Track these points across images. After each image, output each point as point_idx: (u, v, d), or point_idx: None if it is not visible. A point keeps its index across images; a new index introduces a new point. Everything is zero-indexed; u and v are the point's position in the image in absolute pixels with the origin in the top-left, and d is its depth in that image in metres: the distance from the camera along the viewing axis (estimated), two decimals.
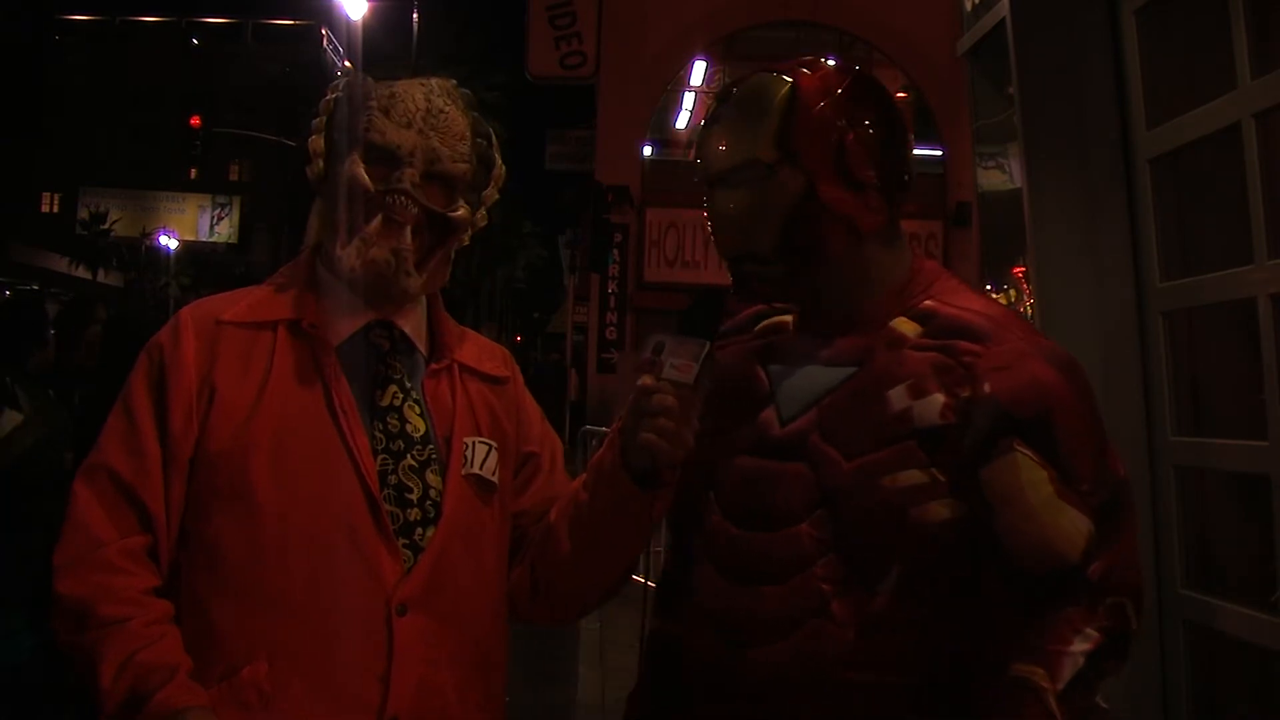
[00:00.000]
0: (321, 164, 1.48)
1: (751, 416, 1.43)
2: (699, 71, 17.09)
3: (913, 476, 1.30)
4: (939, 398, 1.32)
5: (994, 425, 1.28)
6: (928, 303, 1.41)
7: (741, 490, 1.41)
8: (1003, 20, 3.14)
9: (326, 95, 1.52)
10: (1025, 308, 3.75)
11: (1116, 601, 1.26)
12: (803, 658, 1.32)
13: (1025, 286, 3.58)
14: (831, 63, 1.44)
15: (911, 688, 1.31)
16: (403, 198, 1.44)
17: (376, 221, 1.44)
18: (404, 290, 1.46)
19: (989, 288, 4.36)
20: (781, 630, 1.34)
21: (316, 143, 1.48)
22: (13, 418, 3.36)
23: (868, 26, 16.76)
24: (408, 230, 1.45)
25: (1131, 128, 2.87)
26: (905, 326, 1.39)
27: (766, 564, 1.36)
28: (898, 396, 1.33)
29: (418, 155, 1.45)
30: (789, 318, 1.51)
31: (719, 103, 1.45)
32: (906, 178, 1.45)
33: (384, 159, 1.44)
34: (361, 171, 1.43)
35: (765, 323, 1.55)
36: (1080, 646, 1.23)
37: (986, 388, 1.30)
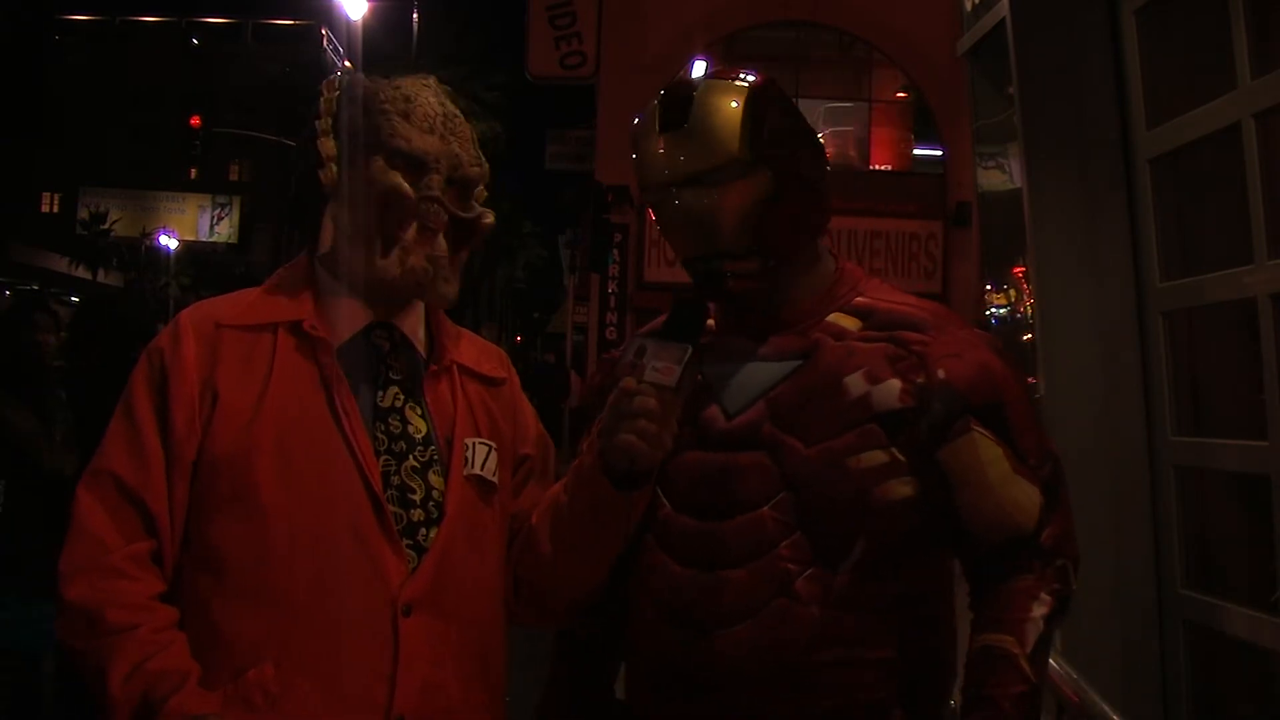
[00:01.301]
0: (334, 168, 1.45)
1: (692, 415, 1.48)
2: (699, 71, 17.07)
3: (876, 457, 1.39)
4: (895, 383, 1.41)
5: (951, 408, 1.39)
6: (861, 300, 1.51)
7: (699, 484, 1.46)
8: (1003, 20, 3.14)
9: (324, 94, 1.49)
10: (1025, 308, 3.75)
11: (1062, 565, 1.40)
12: (768, 638, 1.38)
13: (1025, 286, 3.58)
14: (753, 75, 1.50)
15: (876, 662, 1.39)
16: (435, 205, 1.45)
17: (413, 229, 1.44)
18: (443, 297, 1.47)
19: (989, 288, 4.36)
20: (746, 612, 1.39)
21: (328, 146, 1.46)
22: (59, 430, 3.49)
23: (868, 26, 16.74)
24: (440, 237, 1.46)
25: (1131, 128, 2.87)
26: (845, 321, 1.48)
27: (727, 550, 1.41)
28: (855, 383, 1.42)
29: (443, 161, 1.46)
30: (710, 320, 1.56)
31: (666, 110, 1.48)
32: (828, 187, 1.55)
33: (411, 165, 1.44)
34: (401, 180, 1.43)
35: None
36: (1039, 611, 1.36)
37: (941, 374, 1.40)
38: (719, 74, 1.50)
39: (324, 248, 1.48)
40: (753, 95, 1.46)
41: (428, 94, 1.48)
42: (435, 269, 1.45)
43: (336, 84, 1.51)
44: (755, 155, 1.44)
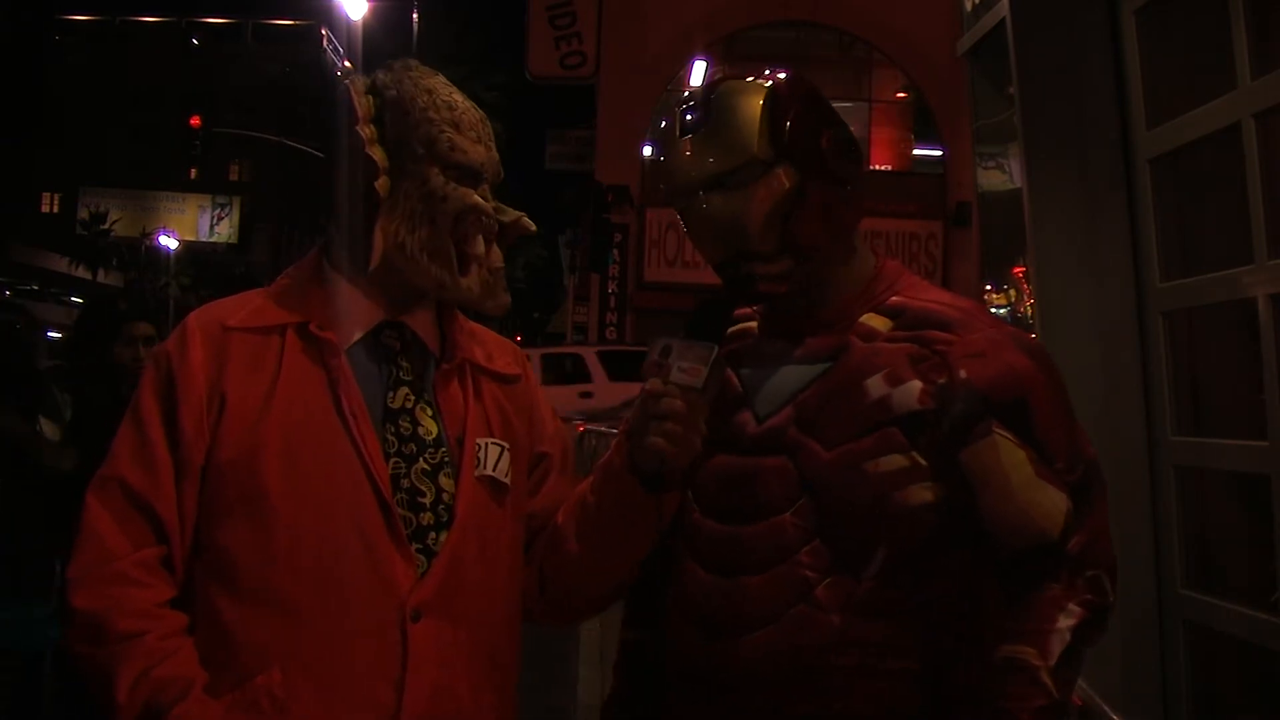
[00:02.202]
0: (389, 180, 1.41)
1: (726, 419, 1.46)
2: (699, 71, 17.10)
3: (894, 461, 1.35)
4: (916, 384, 1.37)
5: (972, 409, 1.34)
6: (895, 299, 1.47)
7: (723, 487, 1.44)
8: (1003, 20, 3.14)
9: (352, 96, 1.44)
10: (1025, 308, 3.76)
11: (1094, 574, 1.34)
12: (787, 644, 1.35)
13: (1025, 286, 3.58)
14: (783, 73, 1.49)
15: (896, 672, 1.35)
16: (489, 217, 1.45)
17: (480, 242, 1.44)
18: (502, 305, 1.48)
19: (989, 288, 4.36)
20: (767, 618, 1.37)
21: (380, 155, 1.41)
22: (50, 428, 3.49)
23: (868, 26, 16.77)
24: (494, 245, 1.47)
25: (1131, 128, 2.87)
26: (876, 321, 1.45)
27: (749, 555, 1.39)
28: (875, 385, 1.38)
29: (489, 171, 1.46)
30: (753, 324, 1.55)
31: (686, 114, 1.47)
32: (862, 182, 1.52)
33: (465, 176, 1.43)
34: (477, 197, 1.43)
35: (731, 329, 1.58)
36: (1065, 623, 1.30)
37: (963, 374, 1.36)
38: (739, 74, 1.48)
39: (376, 259, 1.42)
40: (772, 93, 1.43)
41: (457, 95, 1.46)
42: (496, 280, 1.46)
43: (365, 86, 1.46)
44: (776, 153, 1.42)
